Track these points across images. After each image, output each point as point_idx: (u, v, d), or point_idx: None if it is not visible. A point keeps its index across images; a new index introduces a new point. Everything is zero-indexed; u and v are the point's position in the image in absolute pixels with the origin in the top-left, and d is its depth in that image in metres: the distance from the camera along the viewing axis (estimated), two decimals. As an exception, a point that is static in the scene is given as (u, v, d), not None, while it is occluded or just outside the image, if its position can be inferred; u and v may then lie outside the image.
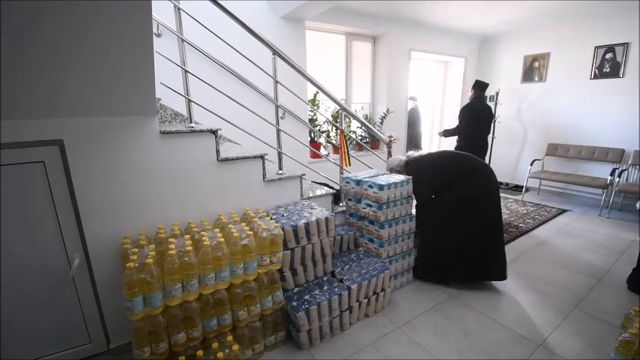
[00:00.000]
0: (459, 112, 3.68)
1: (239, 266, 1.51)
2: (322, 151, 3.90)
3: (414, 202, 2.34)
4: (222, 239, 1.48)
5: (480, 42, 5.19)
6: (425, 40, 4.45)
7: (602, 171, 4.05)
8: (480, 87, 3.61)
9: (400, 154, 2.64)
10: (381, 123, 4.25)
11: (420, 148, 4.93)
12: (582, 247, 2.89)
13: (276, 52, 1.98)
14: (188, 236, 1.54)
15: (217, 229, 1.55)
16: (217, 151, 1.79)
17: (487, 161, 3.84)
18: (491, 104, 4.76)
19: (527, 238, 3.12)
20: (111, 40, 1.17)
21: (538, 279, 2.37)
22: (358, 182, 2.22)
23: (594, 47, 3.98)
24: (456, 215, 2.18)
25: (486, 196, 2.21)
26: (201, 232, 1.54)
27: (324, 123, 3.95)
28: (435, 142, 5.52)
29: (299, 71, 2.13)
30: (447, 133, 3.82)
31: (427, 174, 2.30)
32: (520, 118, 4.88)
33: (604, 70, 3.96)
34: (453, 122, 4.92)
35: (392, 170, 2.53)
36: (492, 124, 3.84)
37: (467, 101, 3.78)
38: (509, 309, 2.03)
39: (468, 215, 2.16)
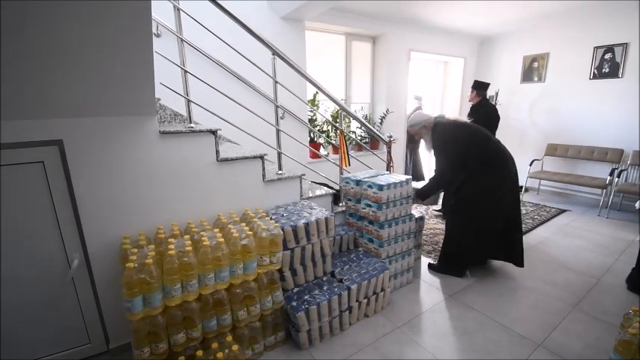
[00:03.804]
0: (485, 115, 3.41)
1: (239, 266, 1.51)
2: (322, 152, 3.90)
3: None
4: (222, 239, 1.48)
5: (480, 42, 5.20)
6: (424, 40, 4.46)
7: (601, 171, 4.05)
8: (482, 87, 3.51)
9: (424, 113, 2.39)
10: (381, 123, 4.26)
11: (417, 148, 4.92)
12: (582, 247, 2.90)
13: (275, 53, 1.98)
14: (188, 236, 1.54)
15: (217, 229, 1.55)
16: (217, 151, 1.79)
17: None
18: (490, 104, 4.79)
19: (526, 238, 3.12)
20: (110, 40, 1.17)
21: (537, 279, 2.37)
22: (358, 182, 2.22)
23: (593, 47, 3.99)
24: (478, 204, 2.22)
25: (510, 186, 2.26)
26: (201, 233, 1.54)
27: (323, 123, 3.96)
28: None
29: (299, 71, 2.13)
30: None
31: (455, 143, 2.20)
32: (519, 119, 4.89)
33: (603, 70, 3.96)
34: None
35: (414, 126, 2.34)
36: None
37: (466, 102, 3.74)
38: (508, 309, 2.03)
39: (489, 204, 2.21)
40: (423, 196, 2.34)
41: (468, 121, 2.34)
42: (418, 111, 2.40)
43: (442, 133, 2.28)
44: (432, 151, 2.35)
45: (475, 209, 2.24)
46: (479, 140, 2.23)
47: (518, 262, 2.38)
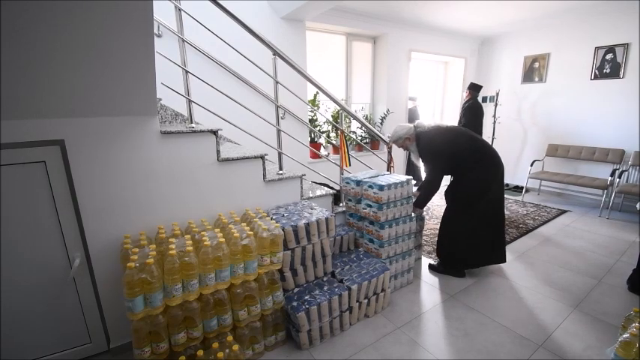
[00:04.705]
0: (463, 111, 3.83)
1: (239, 266, 1.51)
2: (322, 152, 3.90)
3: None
4: (223, 239, 1.48)
5: (480, 42, 5.19)
6: (425, 40, 4.46)
7: (602, 172, 4.04)
8: (475, 89, 3.90)
9: (404, 124, 2.42)
10: (381, 123, 4.26)
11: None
12: (582, 247, 2.89)
13: (276, 53, 1.98)
14: (188, 236, 1.54)
15: (217, 229, 1.55)
16: (218, 152, 1.80)
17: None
18: (491, 105, 4.82)
19: (527, 238, 3.12)
20: (112, 40, 1.17)
21: (538, 279, 2.37)
22: (358, 182, 2.22)
23: (594, 48, 3.98)
24: (475, 201, 2.24)
25: (500, 182, 2.29)
26: (202, 232, 1.55)
27: (324, 123, 3.96)
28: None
29: (299, 71, 2.13)
30: None
31: (443, 149, 2.22)
32: (520, 119, 4.89)
33: (604, 70, 3.95)
34: (452, 122, 4.93)
35: (397, 140, 2.38)
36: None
37: (463, 101, 3.98)
38: (509, 309, 2.03)
39: (485, 201, 2.23)
40: (421, 205, 2.36)
41: (449, 124, 2.41)
42: (398, 124, 2.44)
43: (428, 142, 2.29)
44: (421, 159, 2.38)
45: (472, 207, 2.25)
46: (466, 140, 2.26)
47: (503, 257, 2.45)
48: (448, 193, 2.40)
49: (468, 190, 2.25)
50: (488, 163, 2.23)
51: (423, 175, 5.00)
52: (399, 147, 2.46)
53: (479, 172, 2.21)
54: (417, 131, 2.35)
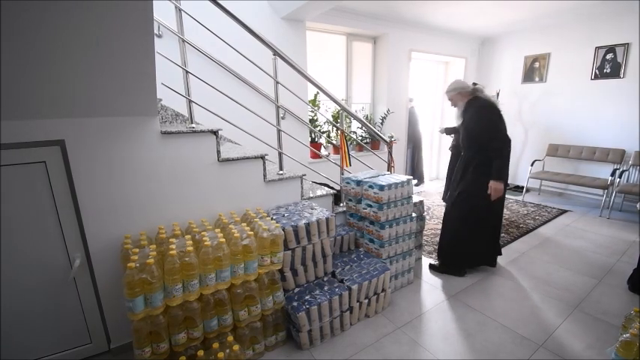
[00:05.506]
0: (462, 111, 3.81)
1: (240, 266, 1.51)
2: (323, 152, 3.90)
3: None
4: (223, 239, 1.48)
5: (481, 42, 5.19)
6: (425, 40, 4.46)
7: (602, 171, 4.04)
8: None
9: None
10: (382, 123, 4.26)
11: (420, 148, 4.92)
12: (583, 247, 2.89)
13: (276, 53, 1.98)
14: (189, 236, 1.54)
15: (218, 229, 1.55)
16: (218, 152, 1.80)
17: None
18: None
19: (527, 238, 3.12)
20: (112, 40, 1.17)
21: (539, 279, 2.36)
22: (358, 183, 2.22)
23: (595, 48, 3.98)
24: (479, 202, 2.25)
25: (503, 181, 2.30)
26: (202, 232, 1.55)
27: (324, 123, 3.96)
28: (435, 140, 5.53)
29: (299, 72, 2.13)
30: (449, 131, 3.84)
31: (492, 118, 2.17)
32: (521, 119, 4.88)
33: (605, 70, 3.95)
34: (452, 122, 4.92)
35: (451, 91, 2.33)
36: None
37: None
38: (509, 309, 2.03)
39: (487, 201, 2.23)
40: (501, 176, 2.20)
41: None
42: (458, 78, 2.41)
43: (484, 107, 2.22)
44: (462, 123, 2.33)
45: (475, 207, 2.26)
46: (504, 128, 2.24)
47: (495, 261, 2.49)
48: (454, 188, 2.41)
49: (475, 192, 2.25)
50: (508, 156, 2.23)
51: (425, 175, 5.04)
52: (449, 99, 2.43)
53: (487, 170, 2.21)
54: (475, 93, 2.30)
